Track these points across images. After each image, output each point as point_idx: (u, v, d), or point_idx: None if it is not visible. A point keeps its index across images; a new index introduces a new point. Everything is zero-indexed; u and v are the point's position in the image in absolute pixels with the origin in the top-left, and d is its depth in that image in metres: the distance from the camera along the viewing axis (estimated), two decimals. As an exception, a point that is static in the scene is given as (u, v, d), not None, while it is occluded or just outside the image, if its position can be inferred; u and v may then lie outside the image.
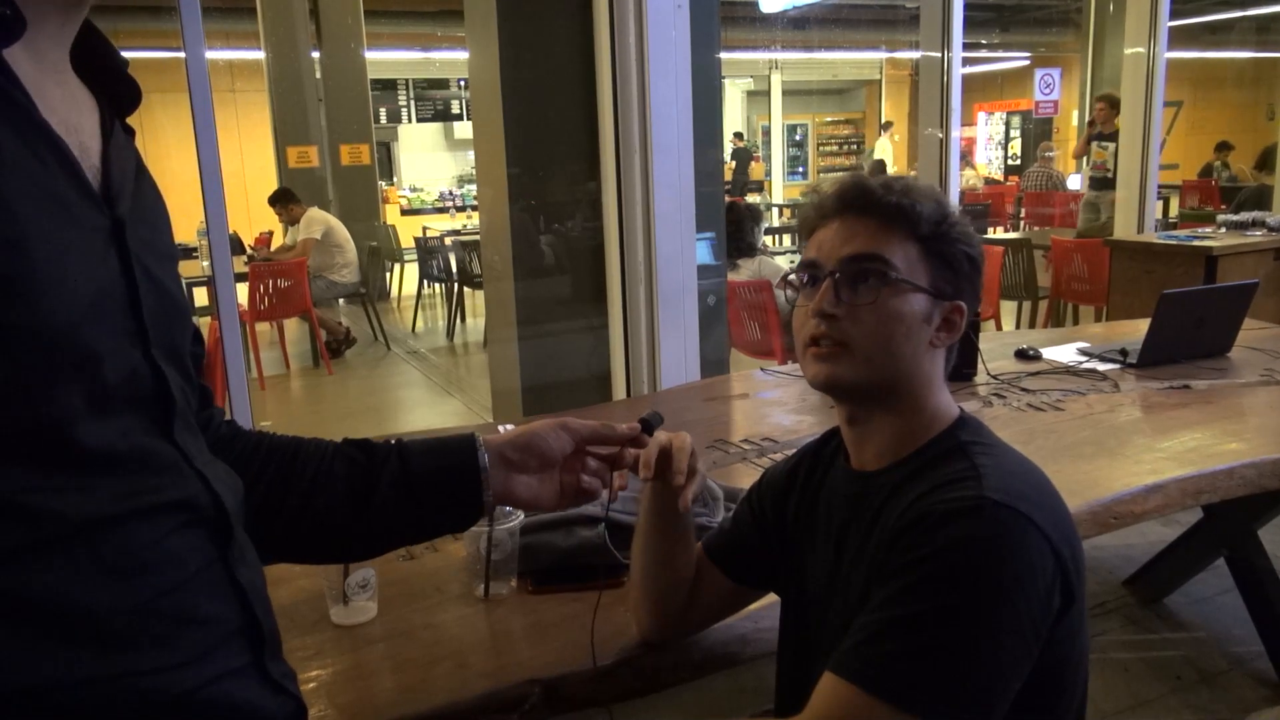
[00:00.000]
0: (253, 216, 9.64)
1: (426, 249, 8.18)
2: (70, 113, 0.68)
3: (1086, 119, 8.55)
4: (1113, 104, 6.67)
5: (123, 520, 0.64)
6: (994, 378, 2.36)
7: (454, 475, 0.97)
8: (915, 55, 12.56)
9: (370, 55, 9.13)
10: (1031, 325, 5.97)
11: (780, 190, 16.34)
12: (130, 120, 0.78)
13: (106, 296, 0.65)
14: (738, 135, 15.25)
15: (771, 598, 1.18)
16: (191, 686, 0.66)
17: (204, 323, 3.99)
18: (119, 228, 0.67)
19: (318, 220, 6.76)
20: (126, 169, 0.72)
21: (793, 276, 1.00)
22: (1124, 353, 2.48)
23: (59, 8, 0.67)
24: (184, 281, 0.76)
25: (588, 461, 1.04)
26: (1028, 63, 15.33)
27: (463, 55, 10.58)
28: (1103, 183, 6.89)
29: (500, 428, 2.00)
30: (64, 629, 0.60)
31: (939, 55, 4.07)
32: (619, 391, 3.32)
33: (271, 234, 8.65)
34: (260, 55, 8.45)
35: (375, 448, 0.97)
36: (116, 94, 0.75)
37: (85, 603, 0.61)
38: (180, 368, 0.74)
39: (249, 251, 7.87)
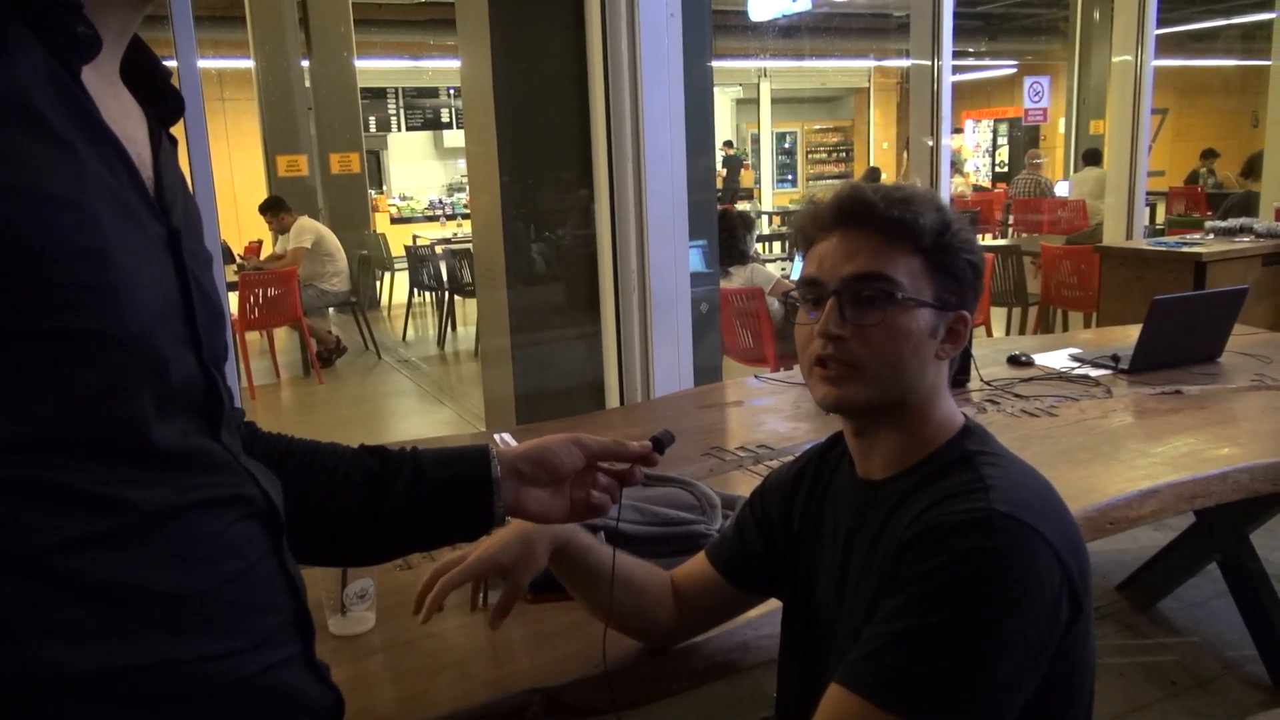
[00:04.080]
0: (242, 225, 9.60)
1: (417, 257, 8.16)
2: (126, 124, 0.70)
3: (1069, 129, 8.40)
4: None
5: (189, 511, 0.67)
6: (988, 384, 2.37)
7: (466, 486, 0.98)
8: (904, 64, 12.64)
9: (360, 64, 9.13)
10: (1021, 331, 5.99)
11: (770, 198, 16.41)
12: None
13: (169, 304, 0.67)
14: (727, 144, 15.30)
15: (772, 604, 1.18)
16: (254, 671, 0.69)
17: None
18: (174, 238, 0.69)
19: (308, 229, 6.73)
20: (176, 179, 0.75)
21: (794, 292, 0.98)
22: (1116, 358, 2.49)
23: (117, 21, 0.69)
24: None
25: (598, 477, 1.04)
26: (1015, 71, 15.43)
27: (452, 64, 10.61)
28: None
29: (496, 437, 2.00)
30: (145, 612, 0.63)
31: (929, 63, 4.10)
32: (612, 399, 3.31)
33: (261, 243, 8.62)
34: (250, 64, 8.43)
35: (390, 455, 0.99)
36: (160, 103, 0.77)
37: (161, 588, 0.64)
38: (221, 372, 0.76)
39: (239, 260, 7.84)
